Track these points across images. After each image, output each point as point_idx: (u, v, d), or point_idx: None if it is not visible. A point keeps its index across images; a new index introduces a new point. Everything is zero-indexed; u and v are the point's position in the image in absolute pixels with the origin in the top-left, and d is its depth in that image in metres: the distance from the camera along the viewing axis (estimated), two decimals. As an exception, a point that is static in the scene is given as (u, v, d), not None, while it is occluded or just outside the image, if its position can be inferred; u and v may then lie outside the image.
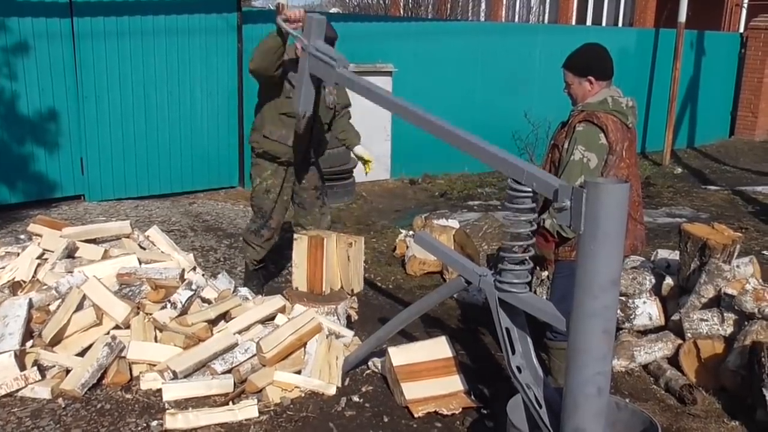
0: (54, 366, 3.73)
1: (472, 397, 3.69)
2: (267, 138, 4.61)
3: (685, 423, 3.69)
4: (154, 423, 3.40)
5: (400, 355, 3.72)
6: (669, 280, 4.56)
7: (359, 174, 7.76)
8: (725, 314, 4.09)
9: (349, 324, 4.38)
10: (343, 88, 4.62)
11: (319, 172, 4.94)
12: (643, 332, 4.44)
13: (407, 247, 6.04)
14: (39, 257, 4.37)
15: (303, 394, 3.69)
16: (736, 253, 4.37)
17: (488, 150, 2.81)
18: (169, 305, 4.00)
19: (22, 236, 5.50)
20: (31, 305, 3.94)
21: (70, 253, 4.41)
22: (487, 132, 10.07)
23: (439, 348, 3.79)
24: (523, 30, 11.69)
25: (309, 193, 4.88)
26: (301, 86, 3.93)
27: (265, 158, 4.70)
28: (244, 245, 5.04)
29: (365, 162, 4.90)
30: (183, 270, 4.31)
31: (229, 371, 3.77)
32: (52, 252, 4.37)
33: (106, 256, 4.41)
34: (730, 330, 4.05)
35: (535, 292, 4.43)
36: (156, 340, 3.92)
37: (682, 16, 10.96)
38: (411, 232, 6.30)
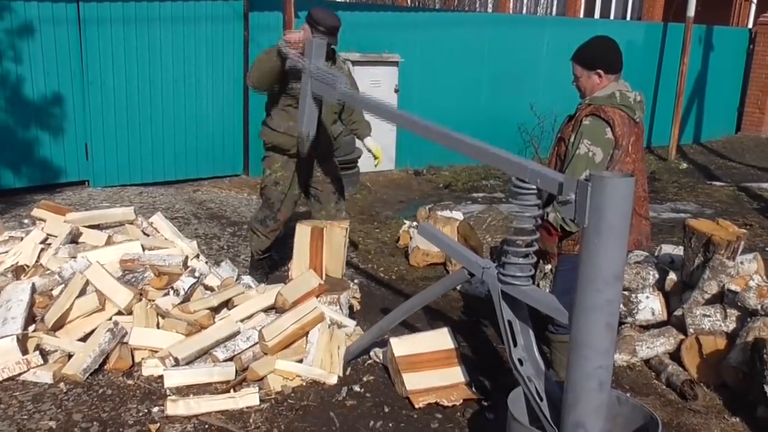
0: (56, 351, 3.74)
1: (473, 388, 3.69)
2: (274, 131, 4.61)
3: (685, 418, 3.69)
4: (155, 409, 3.41)
5: (402, 346, 3.72)
6: (672, 276, 4.55)
7: (363, 164, 7.76)
8: (728, 310, 4.08)
9: (352, 314, 4.38)
10: (352, 79, 4.73)
11: (335, 166, 4.91)
12: (646, 327, 4.43)
13: (411, 238, 6.04)
14: (42, 242, 4.38)
15: (304, 383, 3.70)
16: (740, 250, 4.35)
17: (492, 152, 2.82)
18: (171, 292, 4.01)
19: (26, 221, 5.52)
20: (34, 290, 3.95)
21: (73, 239, 4.41)
22: (493, 124, 10.17)
23: (440, 339, 3.79)
24: (530, 22, 11.65)
25: (325, 186, 4.84)
26: (304, 107, 3.99)
27: (275, 151, 4.69)
28: (250, 234, 5.04)
29: (375, 155, 4.89)
30: (186, 257, 4.31)
31: (230, 359, 3.77)
32: (56, 237, 4.38)
33: (109, 241, 4.41)
34: (732, 326, 4.05)
35: (537, 285, 4.43)
36: (158, 327, 3.92)
37: (691, 11, 10.91)
38: (415, 223, 6.30)
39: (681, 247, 4.71)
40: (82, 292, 3.91)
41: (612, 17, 16.77)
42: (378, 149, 4.87)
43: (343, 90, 3.68)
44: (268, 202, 4.82)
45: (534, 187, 2.64)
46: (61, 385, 3.55)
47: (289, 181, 4.72)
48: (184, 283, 4.05)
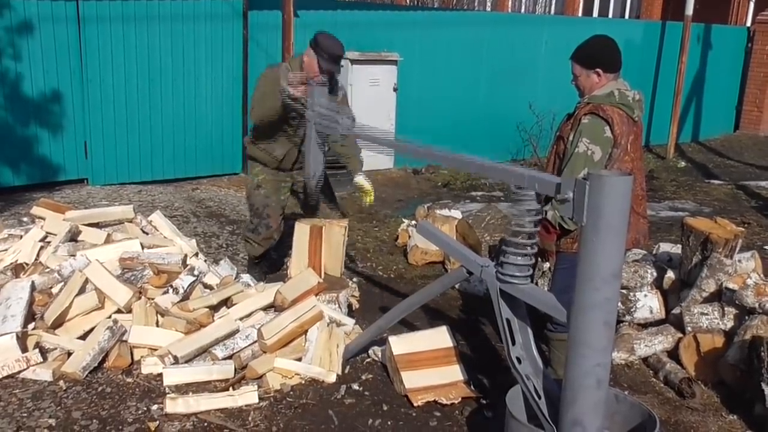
0: (56, 348, 3.74)
1: (472, 387, 3.70)
2: (254, 144, 4.68)
3: (683, 416, 3.70)
4: (155, 407, 3.41)
5: (401, 344, 3.73)
6: (670, 274, 4.56)
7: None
8: (726, 308, 4.09)
9: (350, 312, 4.39)
10: (347, 105, 4.77)
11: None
12: (644, 325, 4.44)
13: (409, 236, 6.04)
14: (42, 240, 4.38)
15: (303, 381, 3.70)
16: (738, 248, 4.36)
17: (491, 166, 2.98)
18: (171, 290, 4.01)
19: (25, 219, 5.52)
20: (33, 288, 3.95)
21: (72, 237, 4.42)
22: (492, 123, 10.20)
23: (439, 337, 3.80)
24: (529, 21, 11.66)
25: (311, 188, 4.86)
26: (309, 151, 4.16)
27: (253, 159, 4.76)
28: (244, 242, 5.06)
29: (364, 192, 4.86)
30: (185, 255, 4.32)
31: (229, 357, 3.78)
32: (55, 235, 4.38)
33: (108, 240, 4.41)
34: (730, 324, 4.06)
35: (536, 284, 4.44)
36: (157, 325, 3.93)
37: (689, 9, 10.90)
38: (413, 222, 6.30)
39: (679, 246, 4.72)
40: (82, 290, 3.91)
41: (610, 16, 16.77)
42: (368, 187, 4.83)
43: (345, 123, 3.83)
44: (254, 209, 4.83)
45: (532, 193, 2.67)
46: (61, 382, 3.56)
47: (270, 185, 4.73)
48: (183, 281, 4.05)
